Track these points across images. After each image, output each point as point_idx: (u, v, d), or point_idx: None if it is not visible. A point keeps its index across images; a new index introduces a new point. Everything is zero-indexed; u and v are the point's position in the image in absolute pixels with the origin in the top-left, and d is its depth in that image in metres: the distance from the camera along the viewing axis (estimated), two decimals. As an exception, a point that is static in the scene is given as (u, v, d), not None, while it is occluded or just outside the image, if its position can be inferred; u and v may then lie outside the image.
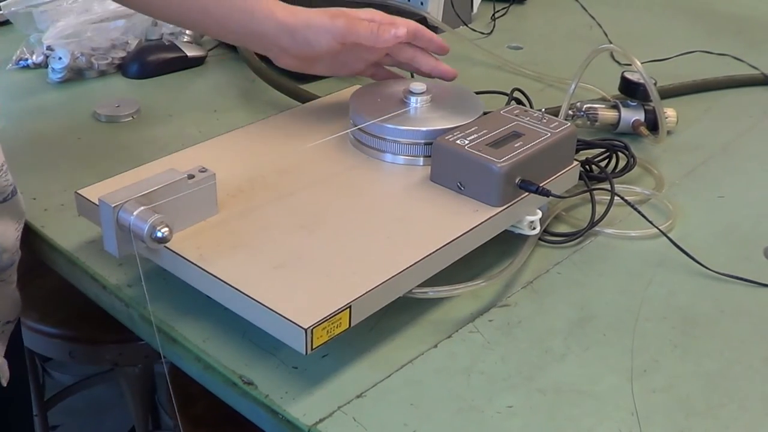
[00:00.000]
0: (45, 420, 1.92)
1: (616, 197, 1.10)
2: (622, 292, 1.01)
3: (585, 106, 1.33)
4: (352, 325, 0.84)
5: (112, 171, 1.03)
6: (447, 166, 1.00)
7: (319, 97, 1.29)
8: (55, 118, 1.37)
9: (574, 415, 0.83)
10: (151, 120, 1.37)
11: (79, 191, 0.99)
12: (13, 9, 1.53)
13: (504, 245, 1.03)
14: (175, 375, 1.28)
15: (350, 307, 0.82)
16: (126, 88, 1.50)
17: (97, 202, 0.90)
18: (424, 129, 1.05)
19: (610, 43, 1.71)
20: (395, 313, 0.93)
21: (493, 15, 1.87)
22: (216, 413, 1.16)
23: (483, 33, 1.81)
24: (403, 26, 1.12)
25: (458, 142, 1.00)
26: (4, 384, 1.06)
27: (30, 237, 1.07)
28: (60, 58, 1.46)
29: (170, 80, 1.51)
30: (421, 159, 1.06)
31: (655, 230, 1.08)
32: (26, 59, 1.51)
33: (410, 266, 0.88)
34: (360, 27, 1.11)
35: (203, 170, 0.94)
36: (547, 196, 1.00)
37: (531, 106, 1.24)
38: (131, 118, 1.36)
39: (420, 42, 1.18)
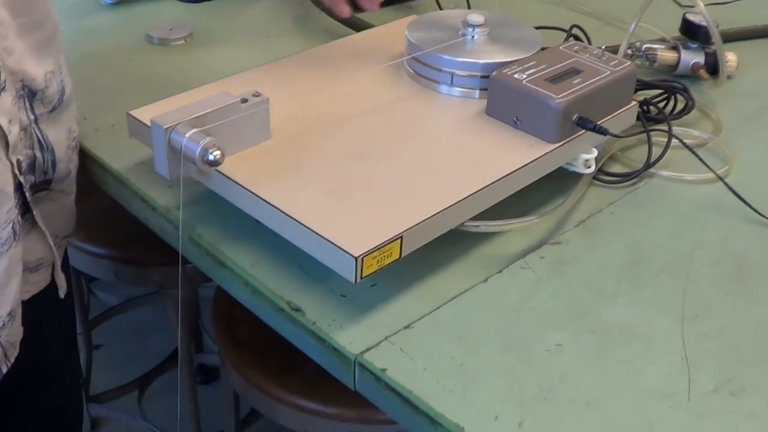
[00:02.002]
0: (89, 339, 1.94)
1: (673, 140, 1.08)
2: (675, 236, 0.99)
3: (644, 46, 1.30)
4: (402, 256, 0.83)
5: (164, 93, 1.02)
6: (504, 100, 0.98)
7: (375, 26, 1.27)
8: (108, 40, 1.36)
9: (623, 356, 0.83)
10: (204, 44, 1.36)
11: (130, 112, 0.99)
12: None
13: (558, 183, 1.01)
14: (220, 299, 1.29)
15: (402, 237, 0.82)
16: (179, 11, 1.48)
17: (148, 124, 0.90)
18: (481, 61, 1.03)
19: (672, -17, 1.67)
20: (446, 246, 0.92)
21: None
22: (259, 338, 1.16)
23: (541, -32, 1.77)
24: None
25: (516, 76, 0.98)
26: (62, 296, 1.08)
27: (80, 157, 1.07)
28: (114, -21, 1.45)
29: (223, 5, 1.50)
30: (477, 92, 1.04)
31: (712, 175, 1.06)
32: (80, -20, 1.50)
33: (463, 199, 0.87)
34: None
35: (257, 95, 0.93)
36: (604, 135, 0.98)
37: (589, 44, 1.22)
38: (184, 42, 1.35)
39: None
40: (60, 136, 1.00)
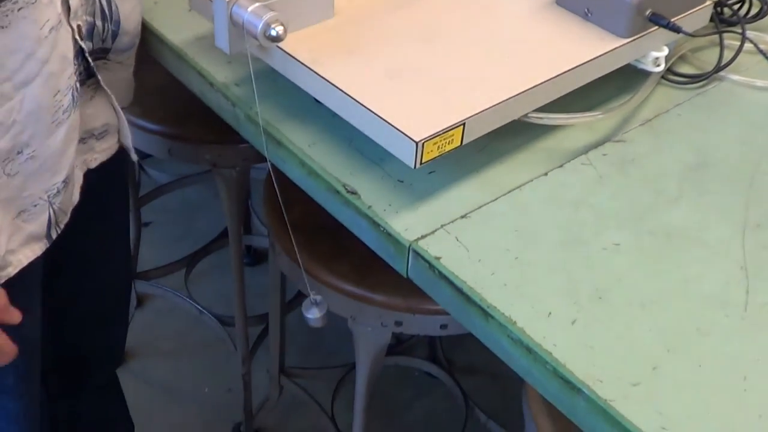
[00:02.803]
0: (138, 216, 1.95)
1: (746, 43, 1.04)
2: (742, 142, 0.96)
3: (723, -56, 1.25)
4: (463, 143, 0.82)
5: (228, -34, 1.00)
6: (576, -10, 0.95)
7: None
8: None
9: (681, 260, 0.81)
10: None
11: (192, -17, 0.97)
12: None
13: (625, 80, 0.99)
14: (272, 180, 1.29)
15: (464, 124, 0.80)
16: None
17: (211, -5, 0.88)
18: (555, -51, 1.00)
19: None
20: (507, 137, 0.90)
21: None
22: (310, 222, 1.15)
23: None
24: None
25: (590, -35, 0.95)
26: (135, 159, 1.08)
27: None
28: None
29: None
30: (549, -19, 1.01)
31: (784, 81, 1.03)
32: None
33: (528, 89, 0.85)
34: None
35: (321, -30, 0.91)
36: (677, 33, 0.95)
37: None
38: None
39: None
40: (132, 9, 0.99)
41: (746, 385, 0.71)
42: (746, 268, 0.81)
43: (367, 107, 0.80)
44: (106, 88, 0.98)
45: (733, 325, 0.76)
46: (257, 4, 0.85)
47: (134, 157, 1.08)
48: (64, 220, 0.96)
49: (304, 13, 0.90)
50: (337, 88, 0.83)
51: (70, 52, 0.89)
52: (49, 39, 0.84)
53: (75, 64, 0.91)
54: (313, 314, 0.90)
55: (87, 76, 0.96)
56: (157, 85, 1.41)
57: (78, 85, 0.92)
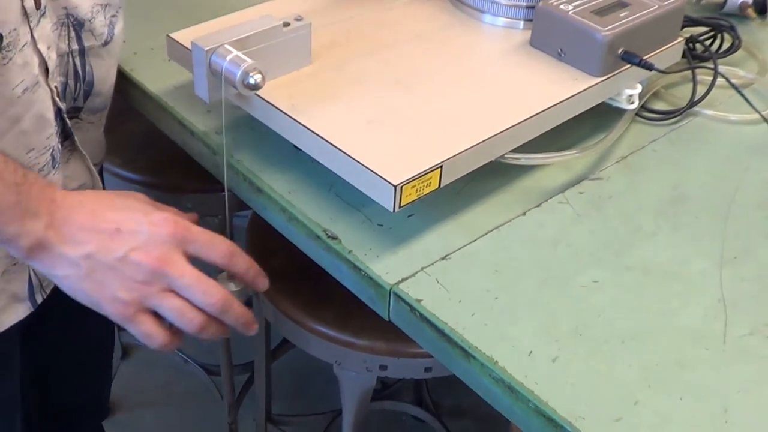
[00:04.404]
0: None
1: (718, 78, 1.06)
2: (717, 176, 0.98)
3: (693, -18, 1.28)
4: (441, 186, 0.83)
5: (204, 18, 1.01)
6: (549, 31, 0.97)
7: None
8: (149, -37, 1.35)
9: (660, 295, 0.82)
10: (245, -32, 1.34)
11: (171, 35, 0.98)
12: None
13: (600, 118, 1.00)
14: (254, 227, 1.29)
15: (441, 166, 0.81)
16: (220, -65, 1.47)
17: (189, 46, 0.89)
18: (527, -9, 1.02)
19: None
20: (485, 178, 0.91)
21: None
22: (293, 268, 1.16)
23: None
24: None
25: (562, 7, 0.96)
26: None
27: (118, 81, 1.06)
28: None
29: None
30: (522, 22, 1.03)
31: (756, 115, 1.04)
32: None
33: (504, 130, 0.86)
34: None
35: (299, 19, 0.92)
36: (650, 70, 0.97)
37: (637, -22, 1.19)
38: (225, -34, 1.34)
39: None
40: (107, 72, 1.00)
41: (727, 417, 0.72)
42: (724, 301, 0.81)
43: (345, 152, 0.81)
44: (81, 148, 0.99)
45: (713, 357, 0.76)
46: (235, 53, 0.86)
47: None
48: (51, 284, 0.96)
49: (282, 60, 0.91)
50: (315, 134, 0.84)
51: (49, 112, 0.89)
52: (23, 99, 0.85)
53: (55, 125, 0.91)
54: (230, 288, 0.88)
55: (64, 137, 0.96)
56: (137, 134, 1.42)
57: (59, 145, 0.93)
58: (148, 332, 0.85)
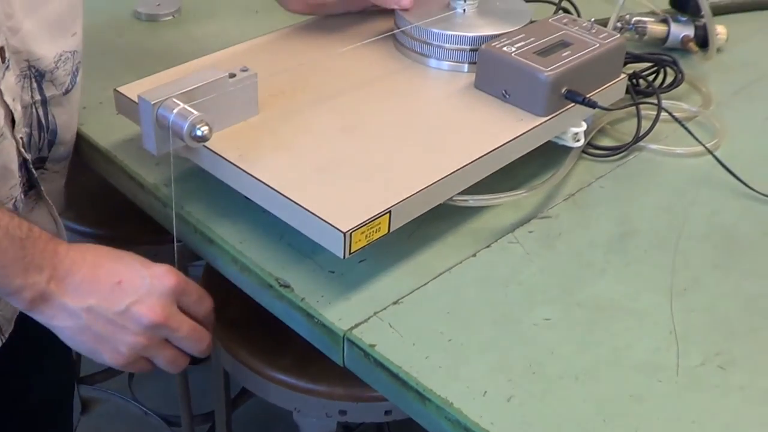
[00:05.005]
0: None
1: (662, 113, 1.07)
2: (664, 209, 0.99)
3: (634, 18, 1.30)
4: (391, 231, 0.83)
5: (152, 70, 1.01)
6: (493, 73, 0.98)
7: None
8: (95, 17, 1.34)
9: (611, 330, 0.83)
10: (192, 19, 1.35)
11: (118, 89, 0.98)
12: None
13: (547, 156, 1.01)
14: (209, 277, 1.29)
15: (390, 212, 0.81)
16: (166, -13, 1.48)
17: (136, 100, 0.89)
18: (470, 34, 1.03)
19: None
20: (434, 221, 0.92)
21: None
22: (249, 317, 1.16)
23: (531, -57, 1.77)
24: None
25: (505, 48, 0.97)
26: None
27: (69, 135, 1.07)
28: (100, -45, 1.44)
29: (211, -20, 1.49)
30: (466, 65, 1.04)
31: (701, 148, 1.06)
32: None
33: (452, 173, 0.87)
34: None
35: (245, 69, 0.92)
36: (594, 108, 0.98)
37: (579, 17, 1.21)
38: (172, 17, 1.35)
39: None
40: (69, 120, 1.00)
41: (682, 449, 0.72)
42: (675, 333, 0.82)
43: (294, 201, 0.82)
44: (47, 197, 0.98)
45: (667, 389, 0.77)
46: (182, 106, 0.86)
47: None
48: (9, 328, 0.96)
49: (229, 112, 0.92)
50: (264, 184, 0.84)
51: (13, 164, 0.90)
52: None
53: (19, 176, 0.91)
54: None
55: (29, 187, 0.96)
56: (89, 188, 1.41)
57: (22, 195, 0.93)
58: (140, 370, 0.90)
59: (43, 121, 0.96)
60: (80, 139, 1.07)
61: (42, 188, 0.98)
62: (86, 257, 0.85)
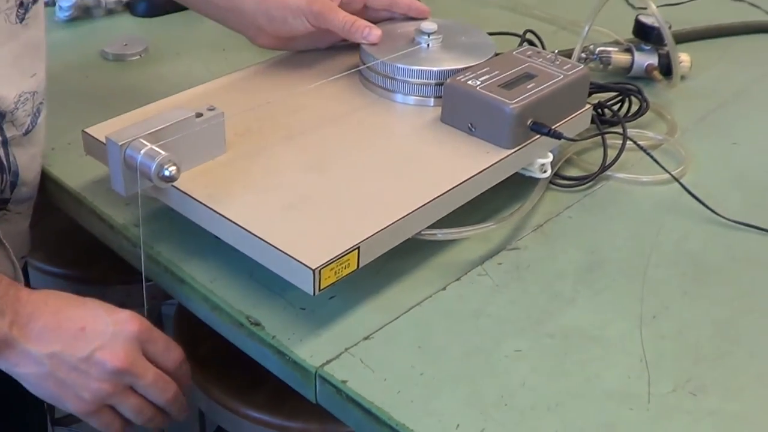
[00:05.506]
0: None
1: (628, 142, 1.09)
2: (632, 238, 1.00)
3: (598, 49, 1.31)
4: (360, 267, 0.83)
5: (120, 110, 1.02)
6: (458, 107, 0.99)
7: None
8: (63, 57, 1.36)
9: (582, 359, 0.83)
10: (159, 59, 1.36)
11: (86, 130, 0.98)
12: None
13: (514, 188, 1.02)
14: (181, 316, 1.29)
15: (358, 248, 0.82)
16: (134, 26, 1.48)
17: (104, 141, 0.89)
18: (435, 69, 1.03)
19: (625, -14, 1.69)
20: (404, 255, 0.92)
21: (506, -43, 1.84)
22: (222, 354, 1.15)
23: (496, -25, 1.79)
24: (376, 30, 1.08)
25: (470, 82, 0.98)
26: None
27: (37, 176, 1.07)
28: (67, -4, 1.44)
29: (178, 18, 1.49)
30: (432, 99, 1.04)
31: (667, 176, 1.07)
32: (33, -4, 1.49)
33: (419, 208, 0.87)
34: (335, 18, 1.08)
35: (211, 108, 0.93)
36: (559, 139, 0.99)
37: (543, 49, 1.22)
38: (139, 57, 1.35)
39: (399, 9, 1.15)
40: (31, 160, 1.00)
41: (654, 477, 0.73)
42: (646, 360, 0.83)
43: (262, 239, 0.82)
44: (4, 241, 0.98)
45: (639, 417, 0.78)
46: (149, 146, 0.86)
47: None
48: None
49: (196, 151, 0.92)
50: (232, 222, 0.84)
51: None
52: None
53: None
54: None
55: None
56: (60, 229, 1.41)
57: None
58: (107, 424, 0.88)
59: (5, 162, 0.96)
60: (49, 180, 1.07)
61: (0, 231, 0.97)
62: (48, 302, 0.85)
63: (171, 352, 0.91)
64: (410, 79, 1.04)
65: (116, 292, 1.43)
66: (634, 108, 1.21)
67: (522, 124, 0.96)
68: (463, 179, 0.91)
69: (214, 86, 1.09)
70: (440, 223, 0.91)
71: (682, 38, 1.44)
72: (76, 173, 1.06)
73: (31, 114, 0.97)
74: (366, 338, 0.84)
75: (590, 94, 1.13)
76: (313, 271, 0.78)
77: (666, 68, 1.29)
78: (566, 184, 1.07)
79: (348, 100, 1.06)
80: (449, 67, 1.03)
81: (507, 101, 0.95)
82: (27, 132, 0.97)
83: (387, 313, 0.87)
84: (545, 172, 1.01)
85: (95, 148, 0.97)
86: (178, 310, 1.29)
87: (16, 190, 0.99)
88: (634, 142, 1.07)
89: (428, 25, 1.08)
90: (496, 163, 0.94)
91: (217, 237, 0.89)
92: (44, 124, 1.01)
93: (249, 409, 1.16)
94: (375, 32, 1.08)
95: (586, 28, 1.25)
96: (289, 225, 0.84)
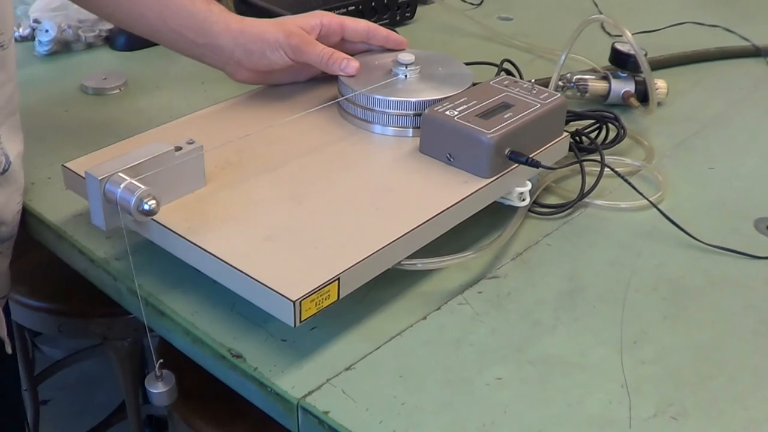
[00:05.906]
0: (35, 394, 1.91)
1: (606, 169, 1.09)
2: (611, 264, 1.00)
3: (575, 77, 1.32)
4: (340, 297, 0.83)
5: (100, 144, 1.02)
6: (436, 138, 0.99)
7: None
8: (42, 91, 1.36)
9: (563, 386, 0.83)
10: (139, 92, 1.36)
11: (65, 164, 0.98)
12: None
13: (493, 217, 1.02)
14: (163, 348, 1.28)
15: (339, 279, 0.82)
16: (113, 60, 1.49)
17: (83, 175, 0.89)
18: (413, 100, 1.04)
19: (601, 13, 1.71)
20: (384, 285, 0.92)
21: (483, -14, 1.86)
22: (205, 387, 1.15)
23: (473, 4, 1.80)
24: (354, 62, 1.09)
25: (447, 113, 0.99)
26: (9, 351, 1.06)
27: (16, 211, 1.07)
28: (47, 31, 1.45)
29: (157, 52, 1.50)
30: (410, 130, 1.05)
31: (645, 202, 1.08)
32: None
33: (399, 238, 0.87)
34: (312, 51, 1.09)
35: (191, 142, 0.93)
36: (537, 168, 1.00)
37: (521, 77, 1.24)
38: (118, 91, 1.36)
39: (376, 41, 1.16)
40: (9, 200, 1.00)
41: (635, 504, 0.73)
42: (627, 386, 0.83)
43: (243, 272, 0.82)
44: None
45: (620, 444, 0.78)
46: (129, 181, 0.86)
47: (8, 349, 1.06)
48: None
49: (176, 184, 0.92)
50: (213, 255, 0.84)
51: None
52: None
53: None
54: (157, 389, 0.89)
55: None
56: (41, 262, 1.41)
57: None
58: None
59: None
60: (29, 215, 1.07)
61: None
62: None
63: None
64: (388, 110, 1.05)
65: (98, 325, 1.43)
66: (612, 135, 1.23)
67: (500, 154, 0.97)
68: (442, 209, 0.92)
69: (193, 119, 1.10)
70: (420, 253, 0.91)
71: (658, 65, 1.46)
72: (57, 208, 1.06)
73: (3, 154, 0.97)
74: (347, 369, 0.84)
75: (568, 122, 1.14)
76: (294, 302, 0.79)
77: (643, 95, 1.31)
78: (545, 211, 1.08)
79: (327, 132, 1.06)
80: (427, 98, 1.04)
81: (484, 131, 0.96)
82: (3, 171, 0.97)
83: (368, 344, 0.87)
84: (524, 200, 1.02)
85: (75, 182, 0.97)
86: (160, 341, 1.29)
87: None
88: (612, 169, 1.08)
89: (405, 57, 1.09)
90: (474, 192, 0.95)
91: (197, 270, 0.89)
92: (20, 163, 1.01)
93: (232, 441, 1.16)
94: (353, 64, 1.08)
95: (563, 57, 1.26)
96: (269, 257, 0.85)
